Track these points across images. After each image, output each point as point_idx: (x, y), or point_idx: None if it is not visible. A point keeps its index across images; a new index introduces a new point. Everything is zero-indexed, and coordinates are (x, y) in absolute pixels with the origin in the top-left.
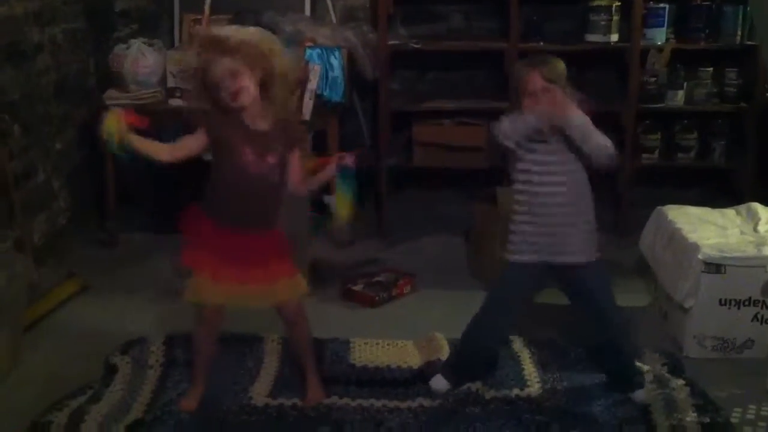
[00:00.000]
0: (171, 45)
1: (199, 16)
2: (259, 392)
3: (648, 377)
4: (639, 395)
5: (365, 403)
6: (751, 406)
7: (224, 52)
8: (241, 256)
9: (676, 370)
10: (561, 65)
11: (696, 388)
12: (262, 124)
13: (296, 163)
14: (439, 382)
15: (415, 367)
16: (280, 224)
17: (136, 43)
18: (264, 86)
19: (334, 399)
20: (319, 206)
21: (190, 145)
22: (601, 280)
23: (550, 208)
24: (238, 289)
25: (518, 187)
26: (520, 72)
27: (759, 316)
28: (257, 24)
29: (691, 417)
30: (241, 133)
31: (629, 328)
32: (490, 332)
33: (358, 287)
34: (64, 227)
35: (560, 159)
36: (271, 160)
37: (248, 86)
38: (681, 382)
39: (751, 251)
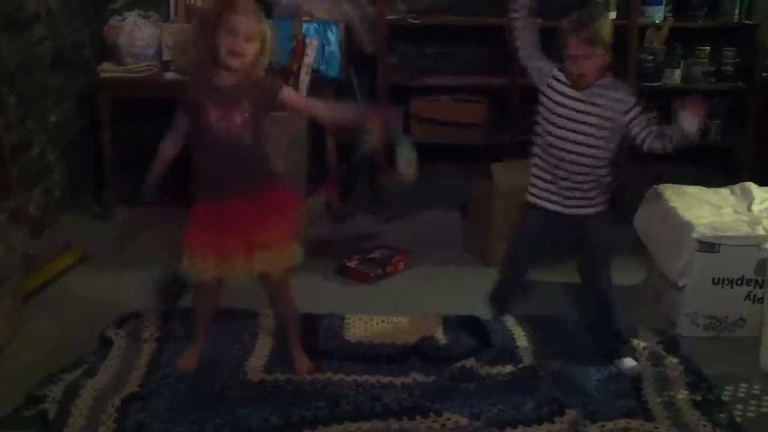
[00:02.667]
0: (167, 18)
1: None
2: (255, 367)
3: (643, 354)
4: (627, 362)
5: (360, 378)
6: (743, 385)
7: (255, 16)
8: (233, 225)
9: (671, 347)
10: (605, 28)
11: (690, 365)
12: (229, 80)
13: (294, 96)
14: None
15: (410, 343)
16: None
17: (132, 16)
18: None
19: (329, 375)
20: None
21: (183, 122)
22: (602, 236)
23: (565, 164)
24: (233, 260)
25: (536, 132)
26: (566, 26)
27: (751, 295)
28: None
29: (682, 394)
30: (206, 90)
31: (617, 298)
32: (511, 268)
33: (353, 263)
34: (60, 199)
35: (584, 118)
36: (238, 116)
37: (249, 54)
38: (675, 359)
39: (745, 230)
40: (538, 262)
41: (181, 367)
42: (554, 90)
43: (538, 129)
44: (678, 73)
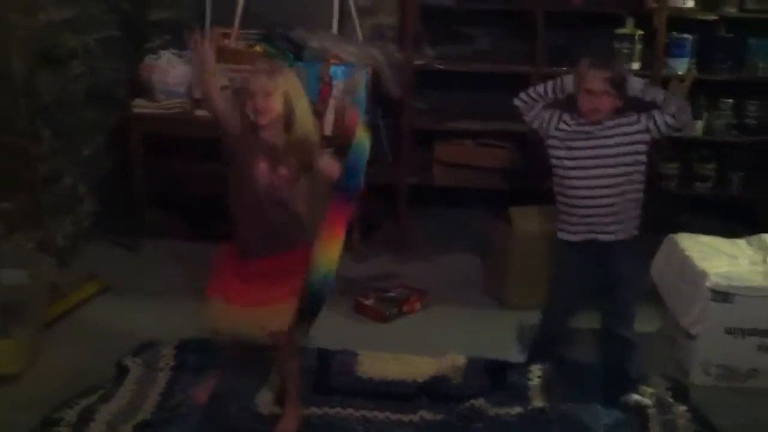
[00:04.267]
0: None
1: (229, 30)
2: (266, 401)
3: (651, 401)
4: (632, 398)
5: (369, 414)
6: None
7: (265, 72)
8: (256, 277)
9: (680, 396)
10: (626, 78)
11: (698, 414)
12: (277, 140)
13: (329, 163)
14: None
15: (421, 381)
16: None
17: (166, 54)
18: (286, 115)
19: (338, 410)
20: None
21: (224, 100)
22: (630, 264)
23: (584, 200)
24: (249, 312)
25: (556, 179)
26: (584, 66)
27: (764, 346)
28: (285, 39)
29: None
30: (255, 145)
31: (637, 338)
32: (552, 313)
33: (369, 302)
34: (89, 230)
35: (598, 152)
36: (283, 171)
37: (273, 108)
38: (683, 408)
39: (759, 281)
40: (579, 308)
41: (194, 397)
42: (565, 132)
43: (557, 176)
44: (700, 124)
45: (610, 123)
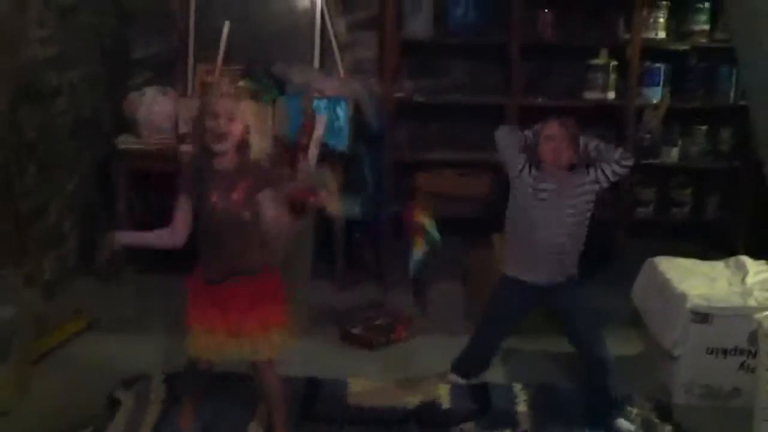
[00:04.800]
0: (184, 93)
1: (212, 66)
2: (256, 428)
3: (636, 421)
4: (623, 424)
5: None
6: None
7: (227, 96)
8: (231, 304)
9: (664, 415)
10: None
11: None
12: (228, 165)
13: (269, 203)
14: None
15: (410, 407)
16: (276, 268)
17: (151, 90)
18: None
19: None
20: None
21: (184, 217)
22: (580, 300)
23: (536, 248)
24: (230, 340)
25: (511, 216)
26: (544, 121)
27: (745, 365)
28: (267, 74)
29: None
30: (210, 177)
31: (610, 357)
32: (484, 339)
33: (356, 330)
34: (74, 265)
35: (557, 204)
36: (235, 196)
37: (234, 134)
38: (669, 427)
39: (737, 302)
40: (510, 332)
41: (182, 428)
42: (530, 180)
43: (512, 213)
44: (675, 151)
45: (567, 176)
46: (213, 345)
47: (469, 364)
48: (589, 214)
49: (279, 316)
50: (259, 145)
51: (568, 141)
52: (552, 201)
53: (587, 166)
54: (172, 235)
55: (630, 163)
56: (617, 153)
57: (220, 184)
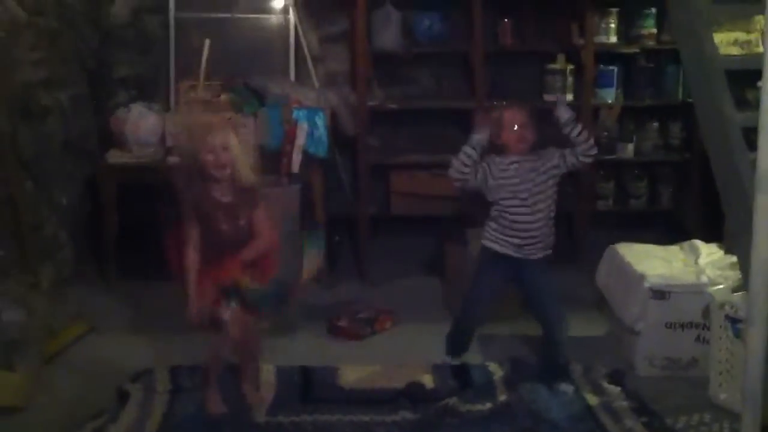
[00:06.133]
0: (167, 108)
1: (194, 82)
2: (261, 411)
3: (583, 382)
4: (563, 387)
5: (354, 418)
6: (695, 415)
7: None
8: (226, 265)
9: (615, 380)
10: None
11: (632, 395)
12: (227, 197)
13: (263, 219)
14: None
15: (399, 387)
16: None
17: (137, 107)
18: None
19: (327, 416)
20: None
21: (195, 233)
22: (547, 276)
23: (517, 227)
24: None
25: (492, 209)
26: (497, 112)
27: (701, 337)
28: (246, 87)
29: (631, 419)
30: (213, 206)
31: (565, 326)
32: (472, 313)
33: (342, 323)
34: (70, 275)
35: (526, 186)
36: (242, 222)
37: (230, 162)
38: (617, 389)
39: (691, 279)
40: (491, 304)
41: (213, 411)
42: (499, 168)
43: (497, 208)
44: (631, 147)
45: (533, 156)
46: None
47: (459, 341)
48: (555, 197)
49: (267, 268)
50: (246, 161)
51: (530, 125)
52: (523, 181)
53: (547, 148)
54: (194, 254)
55: (592, 156)
56: (587, 144)
57: (227, 214)
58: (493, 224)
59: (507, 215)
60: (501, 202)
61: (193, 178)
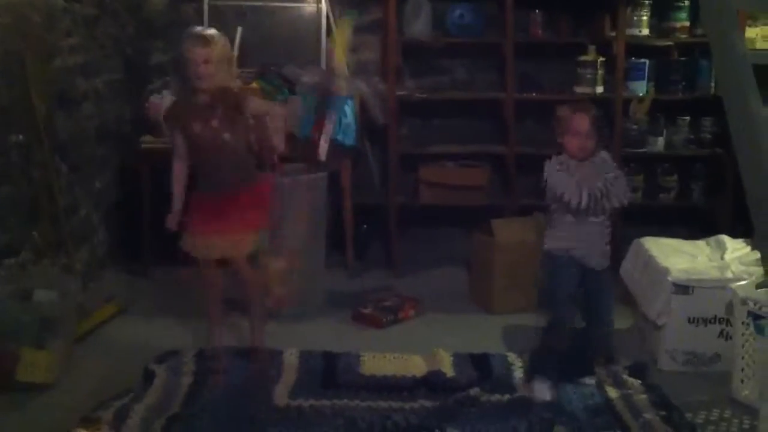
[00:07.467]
0: None
1: None
2: (281, 394)
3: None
4: (588, 380)
5: (374, 404)
6: (715, 410)
7: (203, 43)
8: (220, 211)
9: (636, 373)
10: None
11: (653, 389)
12: (206, 99)
13: (258, 103)
14: (542, 390)
15: (419, 375)
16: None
17: (170, 92)
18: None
19: (346, 401)
20: None
21: (180, 143)
22: (608, 284)
23: (583, 237)
24: (217, 239)
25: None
26: (566, 112)
27: (724, 333)
28: (279, 76)
29: (650, 412)
30: (190, 111)
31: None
32: (560, 324)
33: (367, 310)
34: (103, 258)
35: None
36: (215, 123)
37: (212, 73)
38: (637, 382)
39: (715, 275)
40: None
41: (215, 382)
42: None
43: (555, 206)
44: (661, 141)
45: (589, 164)
46: (203, 243)
47: (551, 361)
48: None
49: (260, 220)
50: (228, 73)
51: (594, 134)
52: (588, 186)
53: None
54: (179, 163)
55: (624, 203)
56: (621, 191)
57: (199, 116)
58: (557, 223)
59: (567, 217)
60: (562, 206)
61: (179, 95)
